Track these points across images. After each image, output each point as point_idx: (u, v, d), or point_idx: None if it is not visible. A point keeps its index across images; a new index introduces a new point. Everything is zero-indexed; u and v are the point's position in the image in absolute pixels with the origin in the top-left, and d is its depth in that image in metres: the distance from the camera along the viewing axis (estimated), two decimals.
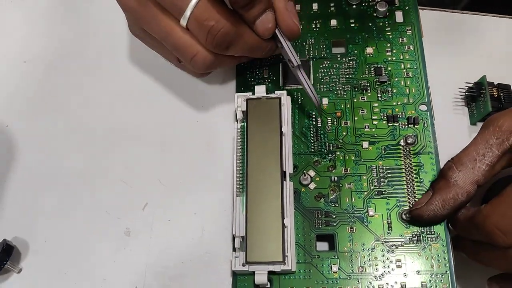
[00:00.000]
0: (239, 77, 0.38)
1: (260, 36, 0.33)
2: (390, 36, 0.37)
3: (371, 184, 0.34)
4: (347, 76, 0.37)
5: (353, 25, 0.38)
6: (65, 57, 0.42)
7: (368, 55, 0.37)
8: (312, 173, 0.35)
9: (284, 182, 0.33)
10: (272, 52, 0.35)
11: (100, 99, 0.40)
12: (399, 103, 0.36)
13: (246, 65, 0.38)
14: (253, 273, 0.32)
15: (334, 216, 0.33)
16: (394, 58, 0.37)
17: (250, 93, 0.36)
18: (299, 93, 0.37)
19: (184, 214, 0.36)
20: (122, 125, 0.39)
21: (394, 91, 0.36)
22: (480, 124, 0.33)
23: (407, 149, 0.34)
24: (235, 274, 0.33)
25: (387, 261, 0.32)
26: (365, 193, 0.34)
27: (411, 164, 0.34)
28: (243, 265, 0.32)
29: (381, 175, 0.34)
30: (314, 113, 0.36)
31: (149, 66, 0.40)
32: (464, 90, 0.37)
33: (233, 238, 0.33)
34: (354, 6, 0.39)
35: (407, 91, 0.36)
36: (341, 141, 0.35)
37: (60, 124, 0.39)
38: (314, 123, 0.36)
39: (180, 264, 0.35)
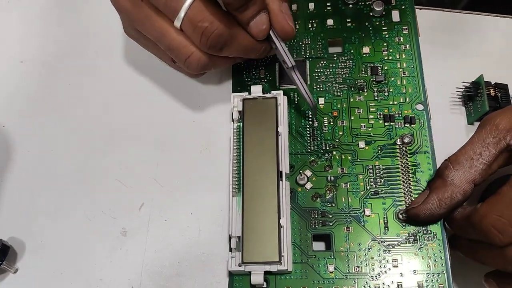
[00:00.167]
0: (236, 77, 0.38)
1: (254, 37, 0.33)
2: (387, 36, 0.37)
3: (367, 184, 0.34)
4: (344, 76, 0.37)
5: (349, 24, 0.38)
6: (62, 57, 0.42)
7: (364, 55, 0.37)
8: (308, 173, 0.35)
9: (281, 182, 0.33)
10: (266, 53, 0.35)
11: (97, 99, 0.40)
12: (395, 103, 0.36)
13: (243, 65, 0.38)
14: (249, 273, 0.32)
15: (330, 216, 0.33)
16: (390, 58, 0.37)
17: (247, 93, 0.36)
18: (296, 93, 0.37)
19: (180, 214, 0.36)
20: (119, 125, 0.39)
21: (391, 90, 0.36)
22: (477, 124, 0.33)
23: (404, 149, 0.34)
24: (231, 274, 0.33)
25: (384, 260, 0.32)
26: (362, 192, 0.34)
27: (407, 163, 0.34)
28: (239, 265, 0.32)
29: (377, 174, 0.34)
30: (310, 113, 0.36)
31: (146, 66, 0.40)
32: (461, 90, 0.37)
33: (230, 238, 0.33)
34: (351, 6, 0.39)
35: (404, 91, 0.36)
36: (337, 140, 0.35)
37: (57, 124, 0.39)
38: (310, 123, 0.36)
39: (177, 264, 0.35)
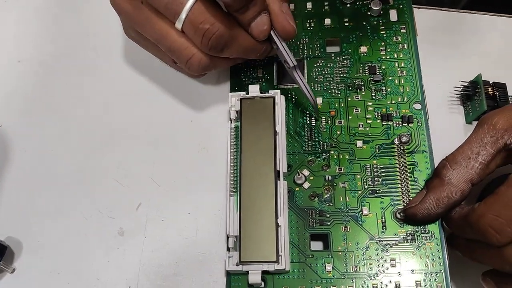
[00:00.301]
0: (234, 76, 0.38)
1: (255, 38, 0.33)
2: (384, 35, 0.37)
3: (365, 183, 0.34)
4: (341, 75, 0.37)
5: (347, 24, 0.38)
6: (60, 57, 0.42)
7: (362, 54, 0.37)
8: (306, 172, 0.35)
9: (278, 181, 0.33)
10: (267, 54, 0.35)
11: (94, 99, 0.40)
12: (393, 102, 0.35)
13: (241, 65, 0.38)
14: (247, 272, 0.32)
15: (328, 215, 0.33)
16: (388, 57, 0.37)
17: (244, 93, 0.36)
18: (293, 92, 0.37)
19: (178, 214, 0.36)
20: (117, 125, 0.39)
21: (388, 89, 0.36)
22: (475, 123, 0.33)
23: (401, 148, 0.34)
24: (229, 274, 0.33)
25: (382, 260, 0.32)
26: (359, 192, 0.34)
27: (405, 163, 0.34)
28: (237, 265, 0.32)
29: (375, 174, 0.34)
30: (308, 112, 0.36)
31: (144, 66, 0.40)
32: (459, 89, 0.37)
33: (227, 237, 0.32)
34: (348, 5, 0.39)
35: (401, 90, 0.36)
36: (335, 140, 0.35)
37: (54, 124, 0.39)
38: (308, 122, 0.36)
39: (174, 264, 0.35)
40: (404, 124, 0.35)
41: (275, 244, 0.32)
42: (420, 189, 0.33)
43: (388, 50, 0.37)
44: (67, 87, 0.41)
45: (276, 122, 0.34)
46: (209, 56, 0.33)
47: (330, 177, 0.34)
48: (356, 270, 0.32)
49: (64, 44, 0.42)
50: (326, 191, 0.34)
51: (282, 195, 0.33)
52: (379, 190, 0.33)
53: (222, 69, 0.39)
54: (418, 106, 0.35)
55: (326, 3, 0.39)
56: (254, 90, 0.36)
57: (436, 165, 0.32)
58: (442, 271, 0.31)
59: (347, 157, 0.35)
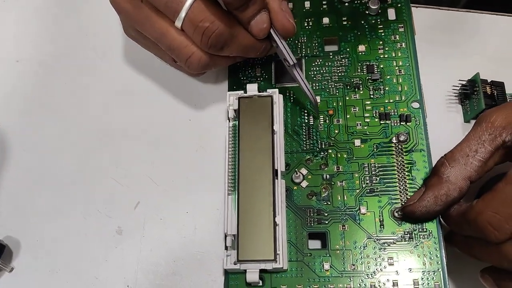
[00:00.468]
0: (232, 76, 0.38)
1: (255, 36, 0.33)
2: (383, 34, 0.37)
3: (363, 182, 0.34)
4: (340, 74, 0.37)
5: (345, 23, 0.38)
6: (59, 57, 0.42)
7: (360, 53, 0.37)
8: (304, 171, 0.35)
9: (276, 180, 0.33)
10: (267, 52, 0.35)
11: (92, 98, 0.40)
12: (391, 101, 0.35)
13: (239, 64, 0.38)
14: (244, 271, 0.32)
15: (326, 214, 0.33)
16: (386, 56, 0.37)
17: (242, 92, 0.36)
18: (291, 91, 0.37)
19: (176, 213, 0.36)
20: (115, 124, 0.39)
21: (386, 88, 0.36)
22: (473, 122, 0.33)
23: (399, 147, 0.34)
24: (227, 273, 0.33)
25: (379, 259, 0.32)
26: (357, 191, 0.34)
27: (403, 161, 0.34)
28: (235, 264, 0.32)
29: (373, 173, 0.34)
30: (306, 111, 0.36)
31: (142, 65, 0.40)
32: (457, 88, 0.37)
33: (225, 236, 0.32)
34: (347, 4, 0.39)
35: (399, 89, 0.36)
36: (333, 139, 0.35)
37: (53, 123, 0.39)
38: (306, 121, 0.36)
39: (172, 263, 0.35)
40: (402, 123, 0.35)
41: (273, 243, 0.32)
42: (418, 187, 0.33)
43: (386, 49, 0.37)
44: (67, 87, 0.41)
45: (274, 121, 0.34)
46: (208, 55, 0.33)
47: (328, 176, 0.34)
48: (354, 268, 0.32)
49: (64, 44, 0.42)
50: (324, 190, 0.34)
51: (280, 193, 0.33)
52: (377, 188, 0.33)
53: (221, 68, 0.39)
54: (416, 105, 0.35)
55: (324, 2, 0.39)
56: (252, 89, 0.36)
57: (434, 164, 0.32)
58: (440, 269, 0.31)
59: (345, 156, 0.35)
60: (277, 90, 0.35)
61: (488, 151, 0.30)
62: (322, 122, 0.36)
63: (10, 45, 0.43)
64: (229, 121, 0.35)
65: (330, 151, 0.35)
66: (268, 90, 0.36)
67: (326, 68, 0.37)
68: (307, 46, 0.38)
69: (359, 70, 0.37)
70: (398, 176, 0.33)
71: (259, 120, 0.35)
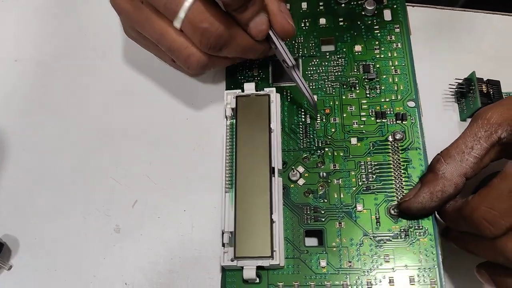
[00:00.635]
0: (230, 75, 0.39)
1: (254, 38, 0.33)
2: (379, 34, 0.38)
3: (359, 180, 0.34)
4: (336, 74, 0.37)
5: (342, 23, 0.39)
6: (59, 57, 0.42)
7: (356, 53, 0.37)
8: (301, 169, 0.35)
9: (273, 178, 0.33)
10: (265, 54, 0.35)
11: (93, 98, 0.40)
12: (387, 100, 0.36)
13: (237, 64, 0.38)
14: (241, 268, 0.32)
15: (322, 212, 0.33)
16: (382, 56, 0.37)
17: (240, 90, 0.36)
18: (289, 90, 0.37)
19: (173, 211, 0.36)
20: (112, 123, 0.39)
21: (382, 88, 0.36)
22: (470, 120, 0.33)
23: (395, 145, 0.34)
24: (224, 270, 0.33)
25: (375, 256, 0.32)
26: (354, 188, 0.34)
27: (399, 159, 0.34)
28: (232, 260, 0.32)
29: (369, 170, 0.34)
30: (303, 110, 0.36)
31: (142, 65, 0.41)
32: (453, 87, 0.37)
33: (222, 233, 0.33)
34: (343, 5, 0.39)
35: (395, 88, 0.36)
36: (329, 137, 0.35)
37: (52, 123, 0.40)
38: (303, 120, 0.36)
39: (170, 261, 0.35)
40: (398, 122, 0.35)
41: (270, 240, 0.32)
42: (414, 185, 0.33)
43: (382, 49, 0.37)
44: (66, 87, 0.41)
45: (271, 120, 0.35)
46: (207, 55, 0.33)
47: (324, 174, 0.34)
48: (350, 265, 0.32)
49: (64, 44, 0.43)
50: (320, 188, 0.34)
51: (277, 191, 0.33)
52: (373, 186, 0.34)
53: (219, 68, 0.39)
54: (412, 103, 0.35)
55: (321, 3, 0.39)
56: (249, 88, 0.36)
57: (430, 162, 0.32)
58: (435, 266, 0.31)
59: (341, 154, 0.35)
60: (274, 89, 0.36)
61: (483, 148, 0.30)
62: (319, 121, 0.36)
63: (10, 45, 0.43)
64: (227, 120, 0.35)
65: (326, 149, 0.35)
66: (265, 89, 0.36)
67: (323, 68, 0.37)
68: (304, 46, 0.38)
69: (355, 70, 0.37)
70: (394, 174, 0.34)
71: (256, 118, 0.35)
